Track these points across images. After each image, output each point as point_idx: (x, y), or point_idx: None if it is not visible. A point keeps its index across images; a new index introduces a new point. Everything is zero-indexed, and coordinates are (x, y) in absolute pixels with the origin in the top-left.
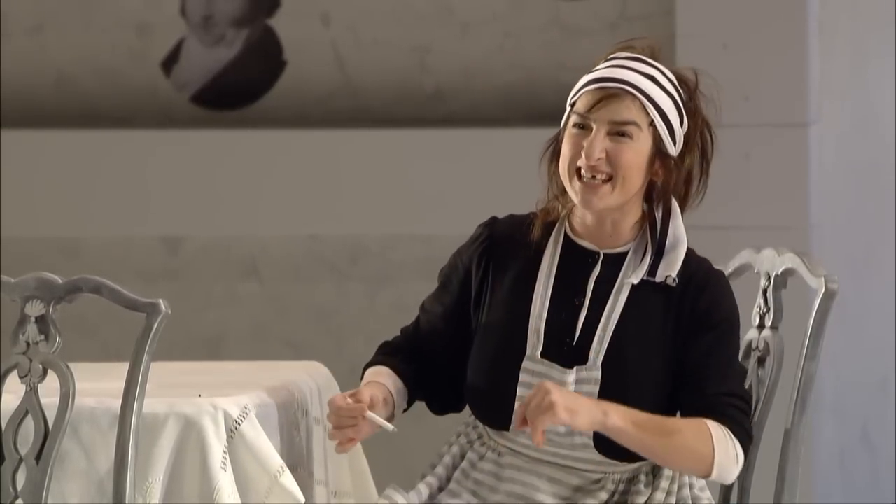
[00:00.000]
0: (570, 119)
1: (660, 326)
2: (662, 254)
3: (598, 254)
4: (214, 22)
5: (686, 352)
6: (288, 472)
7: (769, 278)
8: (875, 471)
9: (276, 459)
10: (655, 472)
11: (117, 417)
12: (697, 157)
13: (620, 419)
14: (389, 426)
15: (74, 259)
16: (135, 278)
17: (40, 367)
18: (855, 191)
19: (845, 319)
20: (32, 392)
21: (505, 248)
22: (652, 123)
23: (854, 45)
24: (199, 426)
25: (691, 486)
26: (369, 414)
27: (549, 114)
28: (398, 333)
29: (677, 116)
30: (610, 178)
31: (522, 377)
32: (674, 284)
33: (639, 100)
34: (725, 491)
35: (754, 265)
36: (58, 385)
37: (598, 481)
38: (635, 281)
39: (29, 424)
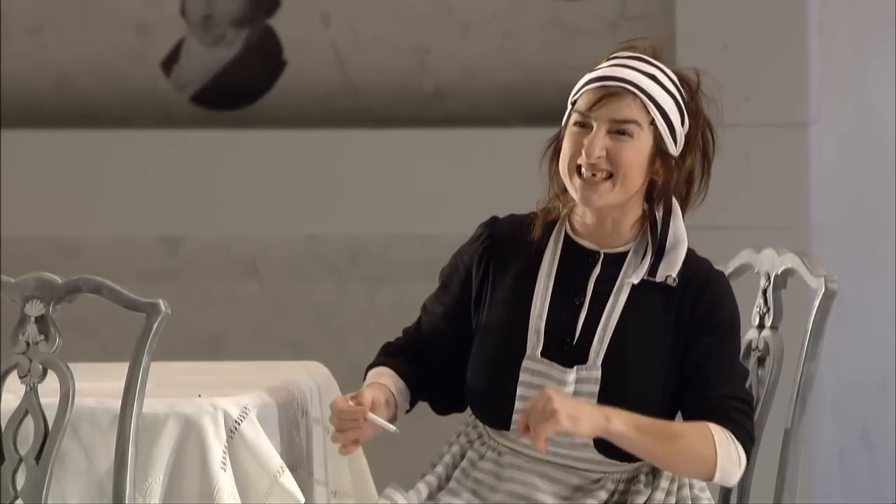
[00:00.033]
0: (570, 117)
1: (660, 326)
2: (663, 254)
3: (599, 253)
4: (214, 22)
5: (687, 353)
6: (288, 473)
7: (769, 278)
8: (875, 471)
9: (275, 459)
10: (655, 471)
11: (117, 417)
12: (699, 157)
13: (623, 424)
14: (392, 427)
15: (74, 259)
16: (135, 278)
17: (40, 367)
18: (855, 191)
19: (845, 319)
20: (32, 392)
21: (505, 247)
22: (653, 122)
23: (854, 45)
24: (199, 426)
25: (691, 486)
26: (371, 416)
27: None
28: (398, 333)
29: (678, 116)
30: (610, 176)
31: (522, 376)
32: (674, 284)
33: (640, 98)
34: (725, 491)
35: (754, 265)
36: (58, 385)
37: (597, 481)
38: (635, 281)
39: (29, 424)
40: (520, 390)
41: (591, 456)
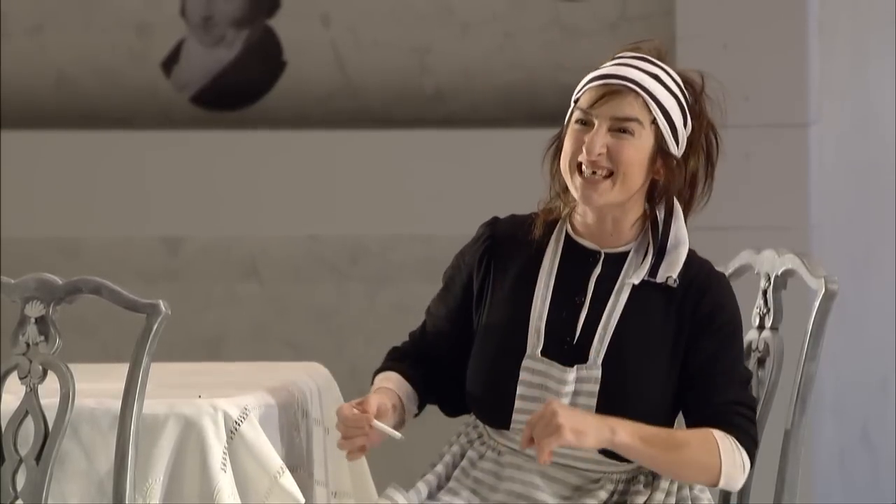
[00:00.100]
0: (572, 115)
1: (660, 326)
2: (664, 254)
3: (599, 253)
4: (214, 22)
5: (690, 357)
6: (288, 473)
7: (769, 279)
8: (875, 471)
9: (275, 460)
10: (655, 472)
11: (117, 418)
12: (702, 160)
13: (628, 436)
14: (397, 434)
15: (74, 259)
16: (135, 279)
17: (40, 367)
18: (855, 191)
19: (845, 319)
20: (32, 393)
21: (506, 247)
22: (654, 121)
23: (854, 45)
24: (198, 427)
25: (691, 487)
26: (376, 423)
27: (549, 114)
28: (399, 334)
29: (681, 117)
30: (610, 175)
31: (523, 376)
32: (675, 285)
33: (641, 97)
34: (725, 491)
35: (754, 266)
36: (58, 386)
37: (597, 481)
38: (636, 281)
39: (29, 425)
40: (520, 389)
41: (591, 456)
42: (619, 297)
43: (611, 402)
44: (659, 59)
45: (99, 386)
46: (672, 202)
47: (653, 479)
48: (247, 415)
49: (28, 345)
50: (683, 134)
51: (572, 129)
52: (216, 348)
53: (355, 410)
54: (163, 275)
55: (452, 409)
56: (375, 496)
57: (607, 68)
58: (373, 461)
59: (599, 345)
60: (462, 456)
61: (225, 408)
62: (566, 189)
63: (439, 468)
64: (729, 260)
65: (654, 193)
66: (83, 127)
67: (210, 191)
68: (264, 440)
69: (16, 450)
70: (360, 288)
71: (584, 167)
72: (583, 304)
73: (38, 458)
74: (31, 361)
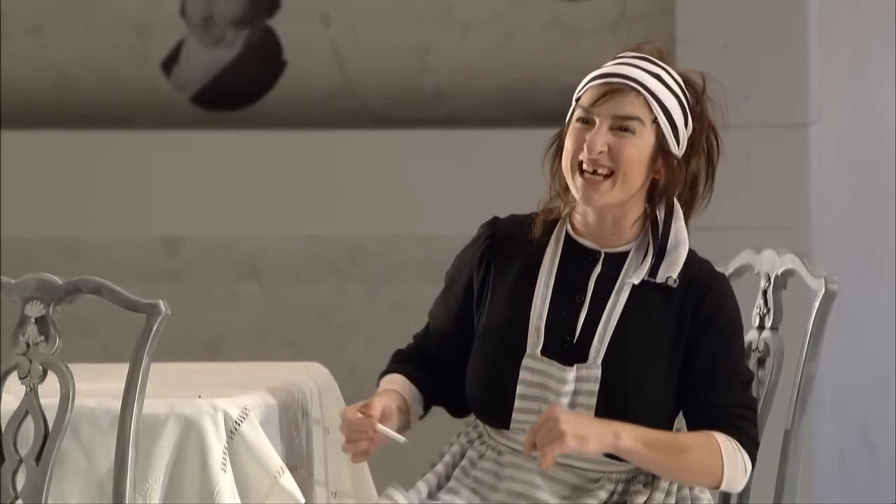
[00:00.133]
0: (574, 114)
1: (660, 326)
2: (664, 254)
3: (599, 252)
4: (214, 22)
5: (691, 358)
6: (288, 473)
7: (769, 279)
8: (875, 471)
9: (276, 460)
10: None
11: (117, 418)
12: (703, 161)
13: (632, 441)
14: (401, 438)
15: (74, 259)
16: (135, 279)
17: (40, 367)
18: (855, 191)
19: (845, 319)
20: (32, 393)
21: (506, 247)
22: (655, 120)
23: (854, 45)
24: (198, 427)
25: (690, 487)
26: (380, 427)
27: (549, 114)
28: (399, 333)
29: (682, 117)
30: (611, 174)
31: (522, 375)
32: (674, 286)
33: (643, 96)
34: (725, 491)
35: (754, 266)
36: (58, 386)
37: (597, 480)
38: (636, 281)
39: (29, 425)
40: (520, 389)
41: (591, 456)
42: (619, 296)
43: (610, 401)
44: (660, 60)
45: (99, 386)
46: (672, 202)
47: (652, 478)
48: (247, 415)
49: (28, 345)
50: (684, 134)
51: (573, 127)
52: (216, 348)
53: (359, 414)
54: (163, 275)
55: (457, 410)
56: (375, 496)
57: (609, 67)
58: (373, 461)
59: (599, 344)
60: (462, 455)
61: (225, 408)
62: (567, 188)
63: (439, 468)
64: (729, 260)
65: (655, 193)
66: (83, 127)
67: (210, 191)
68: (264, 440)
69: (16, 450)
70: (360, 288)
71: (584, 165)
72: (583, 303)
73: (38, 458)
74: (31, 361)
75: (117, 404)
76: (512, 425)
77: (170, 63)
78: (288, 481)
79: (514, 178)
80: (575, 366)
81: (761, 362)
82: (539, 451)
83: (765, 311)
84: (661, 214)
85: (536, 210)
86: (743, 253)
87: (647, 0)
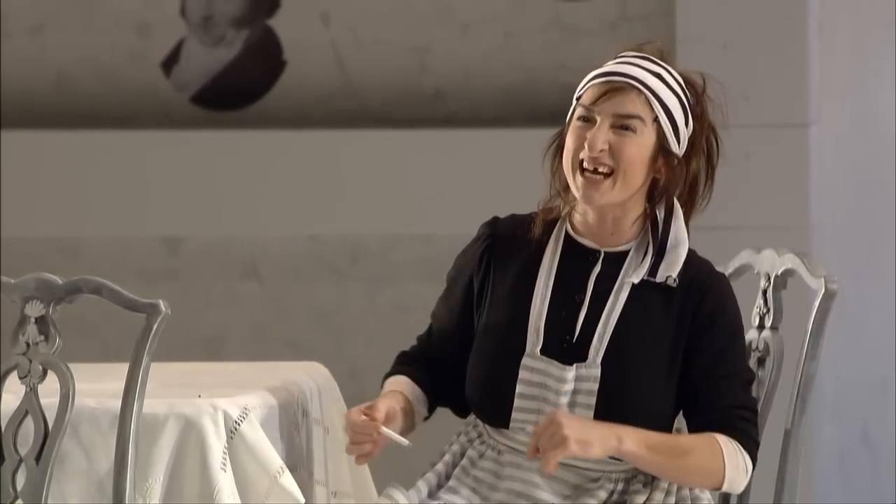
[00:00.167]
0: (574, 112)
1: (660, 326)
2: (664, 254)
3: (599, 252)
4: (214, 22)
5: (692, 358)
6: (288, 473)
7: (769, 279)
8: (875, 471)
9: (275, 460)
10: None
11: (117, 418)
12: (703, 162)
13: (635, 445)
14: (405, 442)
15: (74, 259)
16: (135, 279)
17: (40, 367)
18: (855, 191)
19: (845, 319)
20: (32, 392)
21: (506, 246)
22: (656, 119)
23: (854, 45)
24: (199, 427)
25: (690, 487)
26: (384, 430)
27: (549, 114)
28: (399, 333)
29: (683, 116)
30: (611, 173)
31: (522, 374)
32: (674, 285)
33: (644, 94)
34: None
35: (754, 266)
36: (58, 385)
37: (596, 480)
38: (636, 280)
39: (29, 425)
40: (519, 388)
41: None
42: (619, 295)
43: (610, 400)
44: (661, 60)
45: (99, 386)
46: (672, 202)
47: (652, 478)
48: (247, 414)
49: (28, 344)
50: (685, 133)
51: (574, 125)
52: (216, 348)
53: (364, 416)
54: (163, 274)
55: (462, 410)
56: (375, 496)
57: (610, 66)
58: (373, 461)
59: (599, 343)
60: (462, 455)
61: (225, 407)
62: (567, 187)
63: (439, 467)
64: (729, 260)
65: (655, 193)
66: (83, 127)
67: (210, 191)
68: (264, 440)
69: (16, 449)
70: (360, 288)
71: (585, 164)
72: (582, 302)
73: (38, 458)
74: (31, 361)
75: (117, 404)
76: (511, 424)
77: (170, 63)
78: (288, 481)
79: (514, 178)
80: (574, 365)
81: (761, 362)
82: (542, 456)
83: (765, 310)
84: (660, 214)
85: (536, 210)
86: (743, 253)
87: (647, 0)
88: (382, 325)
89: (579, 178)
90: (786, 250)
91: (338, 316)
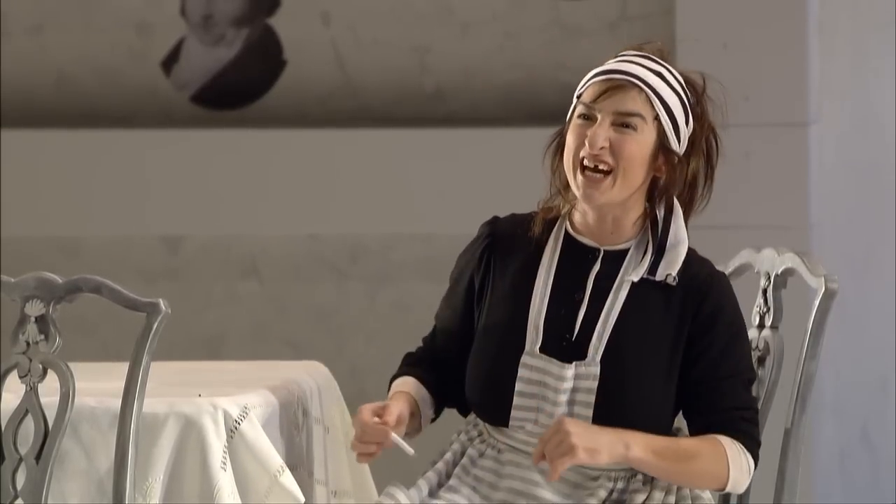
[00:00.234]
0: (575, 110)
1: (660, 324)
2: (663, 252)
3: (599, 250)
4: (214, 22)
5: (693, 358)
6: (288, 472)
7: (769, 278)
8: (875, 471)
9: (276, 459)
10: None
11: (117, 417)
12: (702, 161)
13: (642, 451)
14: (410, 451)
15: (74, 259)
16: (135, 278)
17: (40, 366)
18: (855, 191)
19: (845, 319)
20: (32, 392)
21: (506, 245)
22: (657, 117)
23: (854, 45)
24: (199, 426)
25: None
26: (394, 436)
27: (549, 114)
28: (399, 333)
29: (683, 115)
30: (611, 171)
31: (521, 373)
32: (674, 283)
33: (644, 92)
34: None
35: (754, 265)
36: (58, 385)
37: (596, 479)
38: (635, 279)
39: (29, 424)
40: (518, 386)
41: None
42: (619, 294)
43: (609, 399)
44: (661, 60)
45: (99, 385)
46: (672, 200)
47: (651, 477)
48: (247, 414)
49: (28, 343)
50: (685, 131)
51: (575, 123)
52: (216, 347)
53: (376, 419)
54: (163, 274)
55: (468, 410)
56: (375, 495)
57: (611, 64)
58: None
59: (598, 342)
60: (462, 454)
61: (225, 406)
62: (567, 186)
63: (440, 466)
64: (729, 259)
65: (655, 192)
66: (83, 126)
67: (210, 190)
68: (264, 439)
69: (16, 449)
70: (360, 287)
71: (586, 162)
72: (582, 300)
73: (38, 457)
74: (31, 360)
75: (117, 403)
76: (511, 423)
77: (170, 62)
78: (288, 480)
79: (514, 177)
80: (574, 363)
81: (761, 361)
82: (549, 464)
83: (765, 309)
84: (660, 213)
85: (536, 209)
86: (743, 252)
87: (647, 0)
88: (382, 324)
89: (580, 177)
90: (786, 249)
91: (338, 315)
